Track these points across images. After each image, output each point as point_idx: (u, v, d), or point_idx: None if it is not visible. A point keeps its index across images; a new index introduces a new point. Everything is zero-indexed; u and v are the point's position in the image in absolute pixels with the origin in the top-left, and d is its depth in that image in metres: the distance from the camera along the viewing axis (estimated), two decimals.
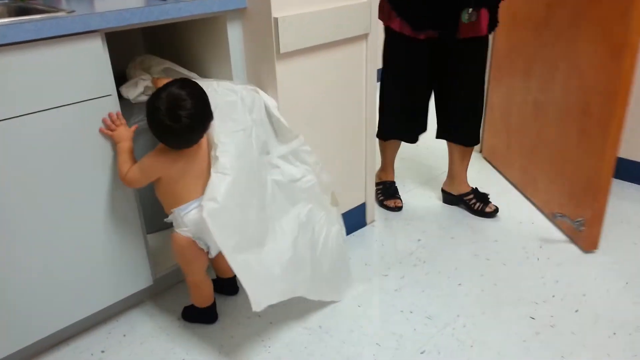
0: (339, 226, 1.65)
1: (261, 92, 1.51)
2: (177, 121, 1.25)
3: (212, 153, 1.36)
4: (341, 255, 1.65)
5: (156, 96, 1.27)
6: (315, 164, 1.58)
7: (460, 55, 1.88)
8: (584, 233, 1.82)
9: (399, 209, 2.15)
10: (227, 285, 1.66)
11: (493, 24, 1.88)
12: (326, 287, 1.61)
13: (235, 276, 1.64)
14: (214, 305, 1.55)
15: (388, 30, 1.92)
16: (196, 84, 1.32)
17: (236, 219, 1.35)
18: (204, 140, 1.37)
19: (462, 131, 2.05)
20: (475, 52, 1.90)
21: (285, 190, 1.52)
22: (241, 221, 1.36)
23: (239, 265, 1.31)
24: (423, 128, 2.08)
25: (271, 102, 1.51)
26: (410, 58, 1.90)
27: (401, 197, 2.19)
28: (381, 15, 1.88)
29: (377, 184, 2.15)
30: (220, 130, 1.37)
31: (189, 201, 1.35)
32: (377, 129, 2.05)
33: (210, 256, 1.42)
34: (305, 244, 1.52)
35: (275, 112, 1.51)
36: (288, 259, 1.45)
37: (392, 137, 2.12)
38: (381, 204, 2.18)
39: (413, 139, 2.10)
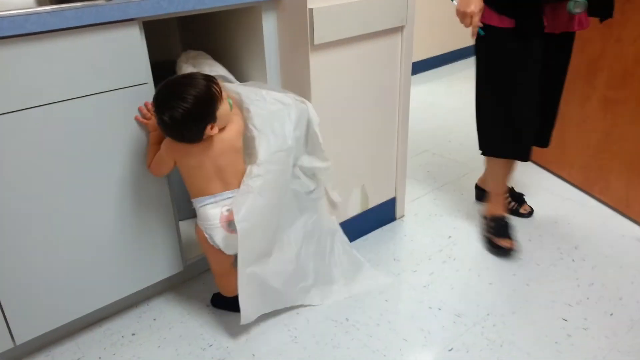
0: (340, 232, 1.69)
1: (308, 105, 1.49)
2: (170, 113, 1.23)
3: (250, 169, 1.37)
4: (351, 257, 1.71)
5: (163, 83, 1.28)
6: (328, 182, 1.60)
7: (560, 50, 1.65)
8: None
9: (512, 251, 1.79)
10: None
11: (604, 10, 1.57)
12: (336, 287, 1.63)
13: None
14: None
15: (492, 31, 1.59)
16: (205, 84, 1.28)
17: (260, 237, 1.40)
18: (220, 139, 1.34)
19: (540, 134, 1.79)
20: (571, 44, 1.67)
21: (299, 199, 1.54)
22: (263, 238, 1.41)
23: (245, 279, 1.37)
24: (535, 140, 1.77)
25: (315, 118, 1.49)
26: (523, 57, 1.59)
27: (512, 236, 1.83)
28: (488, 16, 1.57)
29: (485, 218, 1.90)
30: (261, 144, 1.37)
31: (204, 195, 1.36)
32: (480, 142, 1.80)
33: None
34: (308, 254, 1.56)
35: (316, 129, 1.49)
36: (291, 270, 1.50)
37: (502, 153, 1.78)
38: (489, 242, 1.83)
39: (526, 155, 1.75)
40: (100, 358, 1.44)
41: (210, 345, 1.46)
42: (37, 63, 1.17)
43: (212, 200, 1.36)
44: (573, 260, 1.77)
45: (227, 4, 1.42)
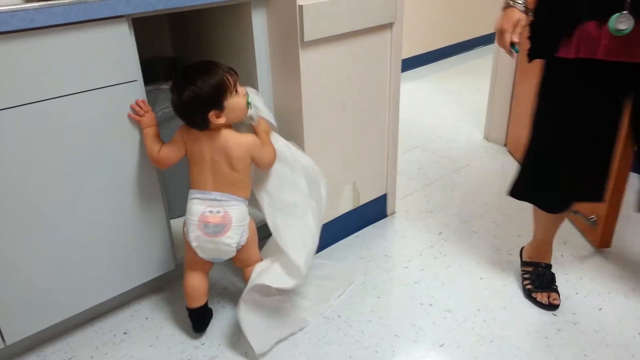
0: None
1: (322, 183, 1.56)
2: (178, 94, 1.29)
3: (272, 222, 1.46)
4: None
5: (182, 66, 1.33)
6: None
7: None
8: (597, 230, 1.78)
9: (554, 307, 1.53)
10: None
11: None
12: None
13: None
14: (199, 309, 1.46)
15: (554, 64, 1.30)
16: (218, 72, 1.31)
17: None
18: (226, 135, 1.36)
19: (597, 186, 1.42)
20: None
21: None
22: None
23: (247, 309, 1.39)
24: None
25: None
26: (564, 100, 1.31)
27: (558, 290, 1.58)
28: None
29: (525, 264, 1.64)
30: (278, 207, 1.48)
31: (195, 189, 1.38)
32: (515, 185, 1.49)
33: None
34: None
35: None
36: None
37: (558, 206, 1.49)
38: (528, 294, 1.57)
39: (553, 208, 1.49)
40: (92, 357, 1.43)
41: (203, 344, 1.46)
42: (23, 61, 1.16)
43: (200, 195, 1.36)
44: (562, 255, 1.78)
45: (216, 0, 1.42)
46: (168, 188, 1.57)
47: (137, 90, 1.36)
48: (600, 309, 1.54)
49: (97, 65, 1.26)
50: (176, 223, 1.78)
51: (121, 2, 1.24)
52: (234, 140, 1.36)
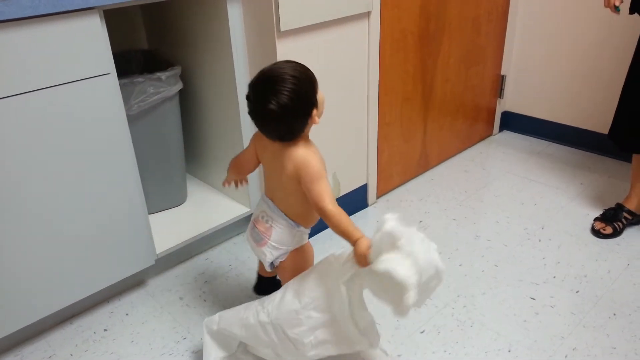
0: None
1: None
2: (273, 98, 1.07)
3: None
4: None
5: (258, 73, 1.13)
6: None
7: None
8: None
9: (598, 233, 1.81)
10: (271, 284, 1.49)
11: None
12: None
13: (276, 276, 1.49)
14: (269, 279, 1.46)
15: None
16: (294, 67, 1.10)
17: None
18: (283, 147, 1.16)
19: None
20: None
21: None
22: None
23: None
24: None
25: None
26: None
27: (618, 226, 1.81)
28: None
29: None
30: None
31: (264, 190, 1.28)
32: (613, 130, 1.80)
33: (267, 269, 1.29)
34: None
35: None
36: None
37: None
38: (592, 227, 1.86)
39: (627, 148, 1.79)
40: (72, 355, 1.41)
41: (184, 338, 1.45)
42: None
43: (263, 196, 1.27)
44: (540, 240, 1.81)
45: None
46: (146, 183, 1.55)
47: (111, 84, 1.33)
48: (577, 292, 1.57)
49: (68, 58, 1.24)
50: (155, 218, 1.77)
51: None
52: (292, 151, 1.14)
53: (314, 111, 1.12)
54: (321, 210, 1.10)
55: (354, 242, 1.07)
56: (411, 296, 0.96)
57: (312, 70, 1.15)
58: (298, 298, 1.14)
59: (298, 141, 1.15)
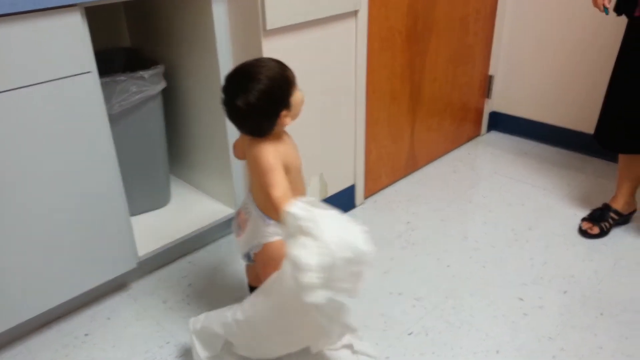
0: None
1: None
2: (241, 95, 1.09)
3: None
4: None
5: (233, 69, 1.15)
6: None
7: None
8: None
9: (585, 234, 1.82)
10: None
11: None
12: None
13: None
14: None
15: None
16: (272, 66, 1.12)
17: None
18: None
19: None
20: None
21: None
22: None
23: None
24: None
25: None
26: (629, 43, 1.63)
27: (605, 226, 1.82)
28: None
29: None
30: None
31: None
32: (598, 130, 1.80)
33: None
34: None
35: None
36: None
37: (630, 147, 1.75)
38: (580, 227, 1.86)
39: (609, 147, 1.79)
40: None
41: (168, 343, 1.42)
42: None
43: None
44: (527, 241, 1.81)
45: None
46: (129, 184, 1.52)
47: (92, 82, 1.30)
48: (565, 292, 1.57)
49: (47, 56, 1.20)
50: (137, 220, 1.74)
51: None
52: (256, 146, 1.16)
53: (283, 112, 1.13)
54: (270, 198, 1.09)
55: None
56: (307, 276, 0.94)
57: (297, 69, 1.14)
58: (270, 296, 1.13)
59: (268, 138, 1.16)
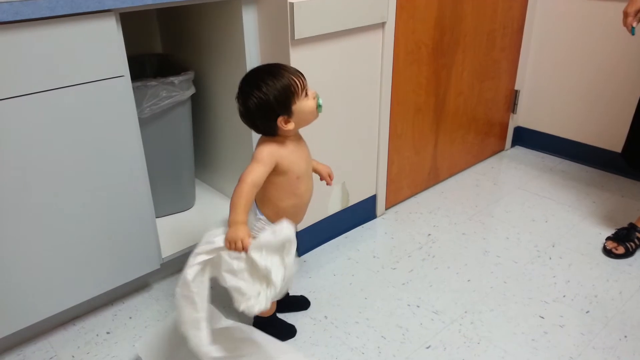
0: None
1: None
2: (243, 99, 1.20)
3: None
4: None
5: (249, 71, 1.24)
6: None
7: None
8: None
9: (610, 253, 1.78)
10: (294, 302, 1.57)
11: None
12: None
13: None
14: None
15: None
16: (281, 75, 1.19)
17: None
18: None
19: None
20: None
21: None
22: None
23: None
24: None
25: None
26: None
27: (630, 246, 1.78)
28: None
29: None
30: None
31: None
32: (626, 149, 1.79)
33: None
34: None
35: None
36: None
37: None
38: (604, 246, 1.83)
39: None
40: (73, 357, 1.40)
41: None
42: (7, 53, 1.14)
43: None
44: (550, 258, 1.79)
45: None
46: (155, 187, 1.55)
47: (124, 86, 1.34)
48: (587, 312, 1.54)
49: (83, 59, 1.24)
50: (162, 222, 1.77)
51: None
52: (259, 142, 1.26)
53: (281, 118, 1.20)
54: (239, 180, 1.19)
55: (233, 222, 1.17)
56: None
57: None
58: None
59: (274, 138, 1.24)
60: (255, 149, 1.25)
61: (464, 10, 2.03)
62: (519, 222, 2.00)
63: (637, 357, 1.38)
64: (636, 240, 1.79)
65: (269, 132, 1.24)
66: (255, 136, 1.67)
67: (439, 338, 1.45)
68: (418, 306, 1.57)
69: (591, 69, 2.28)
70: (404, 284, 1.67)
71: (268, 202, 1.28)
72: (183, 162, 1.81)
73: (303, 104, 1.21)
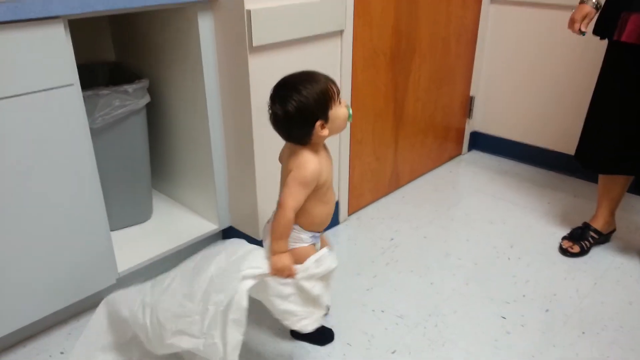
0: None
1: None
2: (281, 103, 1.17)
3: None
4: None
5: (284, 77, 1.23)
6: None
7: None
8: None
9: (566, 252, 1.84)
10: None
11: None
12: None
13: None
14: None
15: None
16: (319, 80, 1.18)
17: None
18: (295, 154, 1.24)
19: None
20: None
21: None
22: None
23: None
24: None
25: None
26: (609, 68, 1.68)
27: (585, 245, 1.84)
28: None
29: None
30: None
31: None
32: (579, 151, 1.82)
33: None
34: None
35: None
36: None
37: (610, 168, 1.78)
38: (560, 245, 1.88)
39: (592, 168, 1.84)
40: None
41: None
42: None
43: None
44: (509, 259, 1.82)
45: (159, 3, 1.37)
46: (110, 199, 1.50)
47: (74, 95, 1.29)
48: (547, 310, 1.58)
49: (29, 68, 1.19)
50: (118, 235, 1.71)
51: (55, 2, 1.18)
52: (298, 153, 1.22)
53: (318, 123, 1.18)
54: (280, 204, 1.21)
55: (277, 251, 1.19)
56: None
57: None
58: (184, 288, 1.18)
59: (307, 146, 1.22)
60: (300, 163, 1.20)
61: (419, 17, 2.06)
62: (478, 225, 2.03)
63: (594, 352, 1.42)
64: (590, 239, 1.85)
65: (303, 138, 1.21)
66: (215, 146, 1.64)
67: (404, 342, 1.45)
68: (383, 311, 1.57)
69: (543, 75, 2.36)
70: (368, 289, 1.67)
71: (302, 212, 1.25)
72: (139, 172, 1.76)
73: (338, 111, 1.21)
